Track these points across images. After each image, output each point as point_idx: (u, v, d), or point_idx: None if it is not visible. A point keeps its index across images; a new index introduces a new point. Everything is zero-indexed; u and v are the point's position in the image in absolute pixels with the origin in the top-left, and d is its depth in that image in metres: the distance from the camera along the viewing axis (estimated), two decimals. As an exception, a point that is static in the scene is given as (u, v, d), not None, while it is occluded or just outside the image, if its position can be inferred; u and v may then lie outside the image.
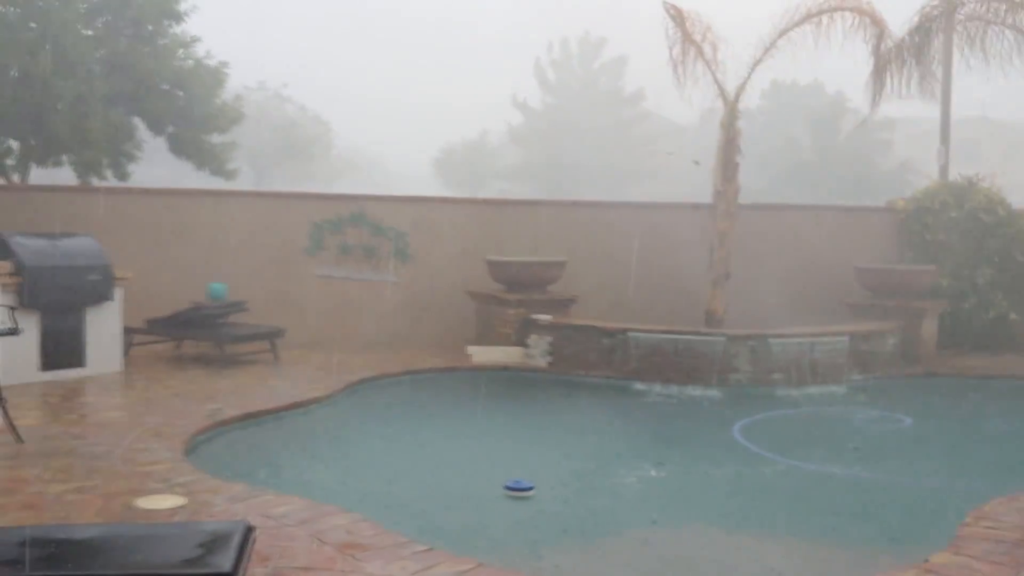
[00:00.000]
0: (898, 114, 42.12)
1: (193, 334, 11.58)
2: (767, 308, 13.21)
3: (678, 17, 12.74)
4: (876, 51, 12.83)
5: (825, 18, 12.39)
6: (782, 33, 12.35)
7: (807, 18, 12.33)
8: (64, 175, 17.43)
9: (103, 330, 10.38)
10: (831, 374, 11.12)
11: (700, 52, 12.69)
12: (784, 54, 12.54)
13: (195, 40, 16.56)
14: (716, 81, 12.69)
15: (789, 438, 9.12)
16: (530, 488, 6.64)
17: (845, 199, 30.84)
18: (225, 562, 3.93)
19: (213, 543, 4.15)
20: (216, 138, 17.08)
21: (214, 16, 17.80)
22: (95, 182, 15.69)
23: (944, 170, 17.57)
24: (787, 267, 14.02)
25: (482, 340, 12.63)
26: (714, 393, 10.68)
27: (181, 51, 16.28)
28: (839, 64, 14.07)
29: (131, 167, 16.43)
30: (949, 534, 5.47)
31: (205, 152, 16.91)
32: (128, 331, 11.09)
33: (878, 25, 12.55)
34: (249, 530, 4.45)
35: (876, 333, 11.90)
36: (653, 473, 7.49)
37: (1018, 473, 7.74)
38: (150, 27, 15.71)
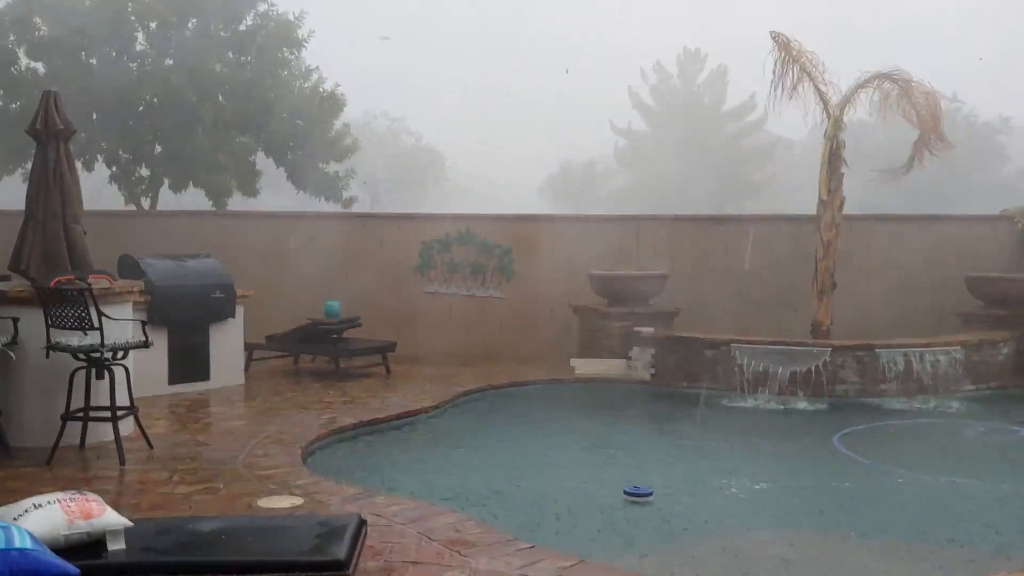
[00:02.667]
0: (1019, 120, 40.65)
1: (309, 349, 12.09)
2: (875, 319, 13.06)
3: (783, 44, 12.73)
4: None
5: None
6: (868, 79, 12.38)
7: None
8: (187, 200, 18.37)
9: (226, 346, 10.93)
10: (941, 385, 10.92)
11: (804, 68, 12.67)
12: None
13: (313, 70, 17.34)
14: (820, 94, 12.65)
15: (897, 448, 9.03)
16: (649, 493, 6.78)
17: (961, 208, 29.97)
18: (340, 551, 4.25)
19: (329, 534, 4.48)
20: (333, 166, 17.75)
21: (333, 48, 18.55)
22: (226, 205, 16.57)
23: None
24: (895, 277, 13.81)
25: (585, 353, 12.81)
26: (820, 404, 10.61)
27: (299, 82, 17.05)
28: (952, 67, 13.80)
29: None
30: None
31: (322, 181, 17.58)
32: (249, 347, 11.66)
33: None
34: (362, 523, 4.77)
35: (988, 343, 11.64)
36: (758, 486, 7.52)
37: None
38: (275, 56, 16.51)
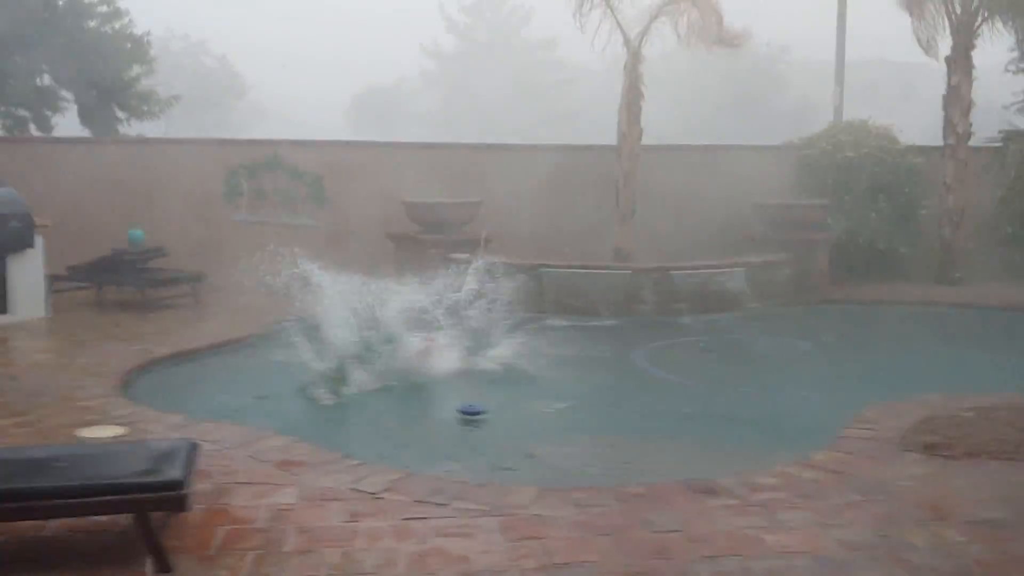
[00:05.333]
0: (799, 53, 43.07)
1: (115, 279, 11.73)
2: (672, 244, 13.87)
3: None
4: None
5: None
6: None
7: None
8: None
9: (26, 277, 10.49)
10: (730, 303, 11.81)
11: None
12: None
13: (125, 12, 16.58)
14: (620, 27, 13.14)
15: (688, 363, 9.76)
16: (482, 412, 7.05)
17: (752, 138, 31.77)
18: (176, 472, 4.35)
19: (163, 457, 4.56)
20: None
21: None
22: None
23: (839, 110, 18.45)
24: (690, 205, 14.61)
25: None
26: (621, 323, 11.25)
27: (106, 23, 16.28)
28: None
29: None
30: (834, 436, 6.14)
31: (111, 125, 16.94)
32: (50, 278, 11.21)
33: None
34: (194, 446, 4.87)
35: (772, 264, 12.64)
36: (567, 403, 7.94)
37: (902, 383, 8.41)
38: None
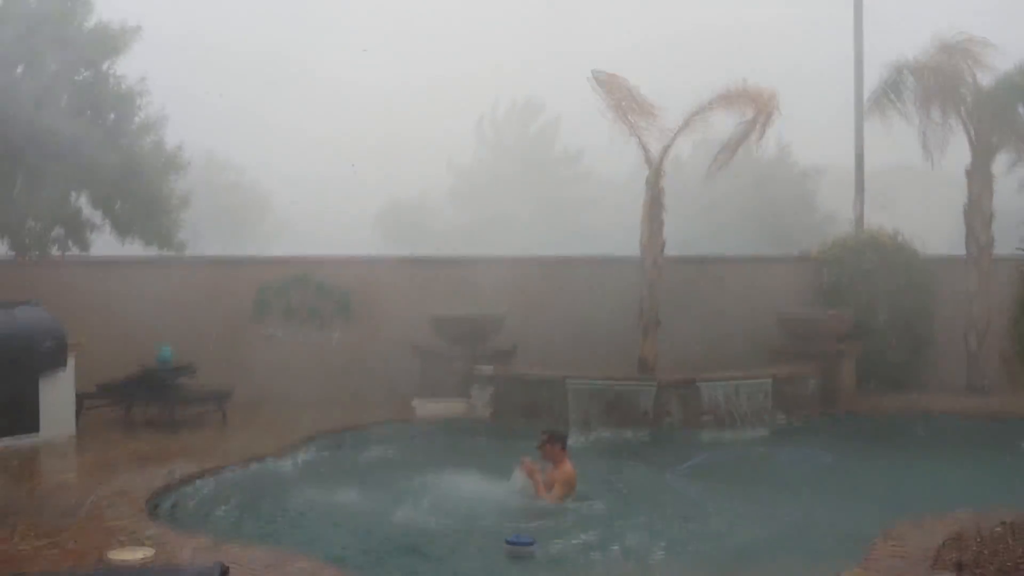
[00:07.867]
0: (827, 162, 43.57)
1: (143, 397, 11.84)
2: (696, 354, 13.89)
3: (606, 86, 13.40)
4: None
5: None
6: (694, 113, 13.14)
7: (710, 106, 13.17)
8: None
9: (56, 396, 10.58)
10: (756, 416, 11.78)
11: (626, 118, 13.40)
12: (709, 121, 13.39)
13: (152, 124, 17.02)
14: (641, 144, 13.42)
15: (715, 478, 9.68)
16: (530, 543, 6.83)
17: (779, 248, 31.97)
18: (206, 597, 4.38)
19: (193, 581, 4.60)
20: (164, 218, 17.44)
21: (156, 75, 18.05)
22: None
23: (860, 219, 18.63)
24: (713, 315, 14.66)
25: (428, 393, 13.05)
26: (647, 436, 11.21)
27: (133, 139, 16.69)
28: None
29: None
30: (862, 555, 6.09)
31: (151, 231, 17.23)
32: (80, 396, 11.35)
33: (764, 110, 13.28)
34: (225, 570, 4.91)
35: (797, 376, 12.63)
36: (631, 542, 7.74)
37: (930, 498, 8.33)
38: (111, 115, 16.09)
